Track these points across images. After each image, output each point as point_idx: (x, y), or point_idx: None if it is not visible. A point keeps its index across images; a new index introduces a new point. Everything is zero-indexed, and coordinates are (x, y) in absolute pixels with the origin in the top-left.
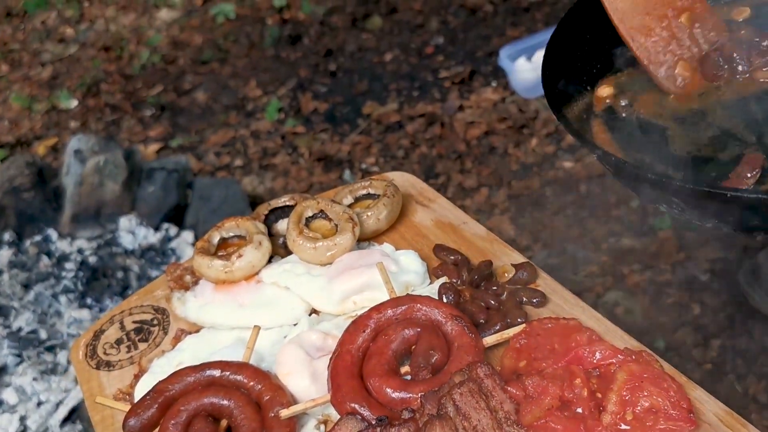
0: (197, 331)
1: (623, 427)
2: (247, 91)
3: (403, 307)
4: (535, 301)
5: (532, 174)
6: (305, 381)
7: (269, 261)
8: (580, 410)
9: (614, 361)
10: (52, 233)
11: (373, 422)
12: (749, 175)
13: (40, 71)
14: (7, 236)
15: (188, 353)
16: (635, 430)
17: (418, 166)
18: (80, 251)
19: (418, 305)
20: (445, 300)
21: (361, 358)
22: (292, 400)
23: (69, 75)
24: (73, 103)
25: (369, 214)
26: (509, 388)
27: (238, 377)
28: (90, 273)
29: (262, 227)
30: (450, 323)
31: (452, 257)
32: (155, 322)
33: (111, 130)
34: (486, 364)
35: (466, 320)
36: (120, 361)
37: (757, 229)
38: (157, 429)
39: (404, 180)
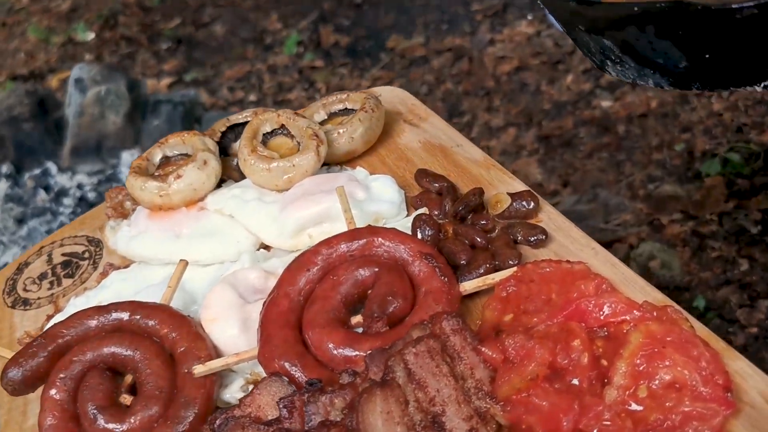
0: (127, 266)
1: (634, 407)
2: (267, 24)
3: (361, 242)
4: (533, 239)
5: (566, 113)
6: (233, 330)
7: (220, 185)
8: (576, 382)
9: (628, 318)
10: (52, 167)
11: (304, 387)
12: None
13: (60, 3)
14: (5, 168)
15: (111, 292)
16: (650, 412)
17: (441, 103)
18: (80, 186)
19: (380, 239)
20: (419, 236)
21: (301, 304)
22: (214, 354)
23: (88, 7)
24: (90, 36)
25: (341, 131)
26: (484, 350)
27: (150, 322)
28: (88, 209)
29: (211, 144)
30: (418, 263)
31: (436, 184)
32: (86, 255)
33: (125, 63)
34: (454, 316)
35: (440, 260)
36: (39, 299)
37: (689, 75)
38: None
39: (393, 95)
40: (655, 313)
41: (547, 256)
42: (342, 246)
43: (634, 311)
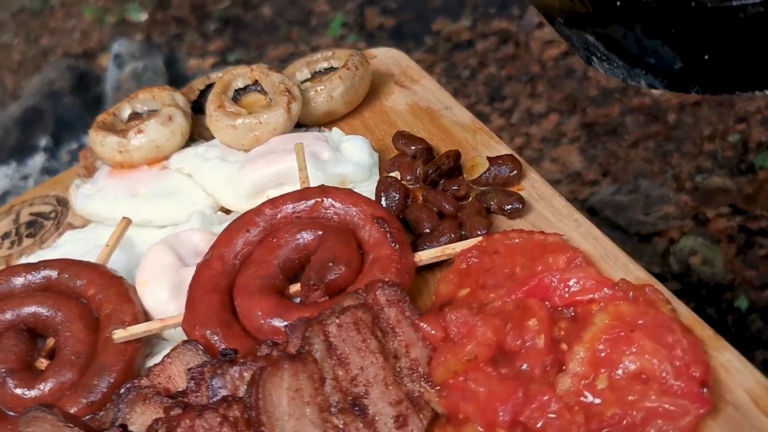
0: (84, 226)
1: (590, 399)
2: (314, 6)
3: (309, 202)
4: (507, 208)
5: (613, 100)
6: (163, 294)
7: (190, 145)
8: (526, 367)
9: (598, 296)
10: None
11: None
12: None
13: None
14: (44, 142)
15: (60, 252)
16: (608, 406)
17: (483, 87)
18: None
19: (329, 200)
20: (383, 201)
21: (237, 268)
22: (143, 319)
23: None
24: (143, 17)
25: (319, 89)
26: (424, 326)
27: (79, 282)
28: None
29: (181, 100)
30: (369, 227)
31: (413, 147)
32: (52, 215)
33: (173, 44)
34: (391, 285)
35: (393, 225)
36: None
37: (686, 77)
38: None
39: (389, 56)
40: (631, 293)
41: (524, 228)
42: (288, 206)
43: (605, 289)
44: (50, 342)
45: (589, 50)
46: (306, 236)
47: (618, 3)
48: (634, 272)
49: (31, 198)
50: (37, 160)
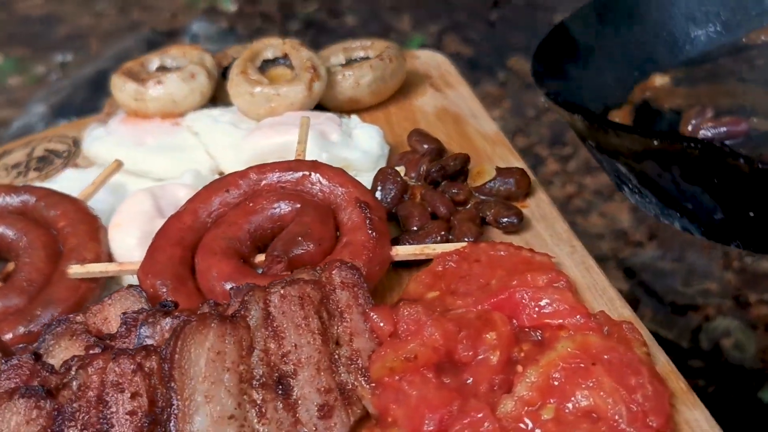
0: (88, 167)
1: (529, 427)
2: (397, 23)
3: (297, 174)
4: (504, 221)
5: None
6: (132, 239)
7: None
8: (471, 381)
9: (568, 322)
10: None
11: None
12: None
13: None
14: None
15: (56, 187)
16: None
17: (546, 130)
18: None
19: (317, 176)
20: (378, 192)
21: (207, 226)
22: (105, 260)
23: None
24: (232, 8)
25: (347, 74)
26: (374, 316)
27: (52, 212)
28: None
29: (209, 61)
30: (350, 210)
31: (425, 146)
32: (65, 154)
33: (254, 37)
34: (350, 267)
35: (376, 212)
36: None
37: (727, 229)
38: None
39: (431, 59)
40: (606, 328)
41: (518, 244)
42: (274, 174)
43: (578, 316)
44: (10, 267)
45: (620, 179)
46: (283, 207)
47: (655, 142)
48: (619, 309)
49: (51, 135)
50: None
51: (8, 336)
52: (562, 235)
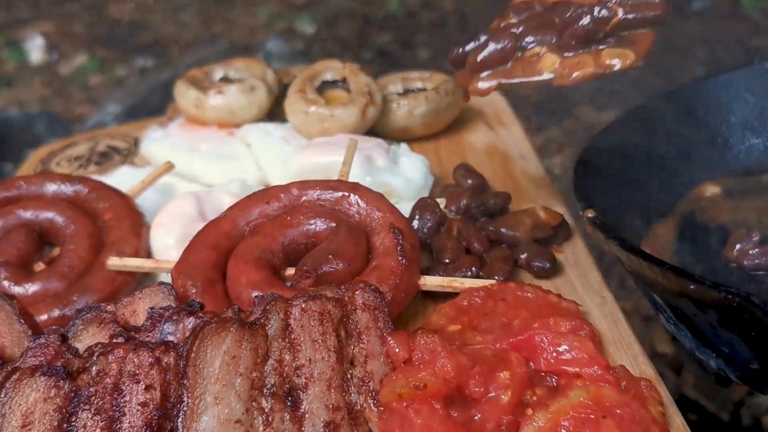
0: (143, 166)
1: None
2: None
3: (336, 194)
4: (536, 265)
5: None
6: (170, 239)
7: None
8: (479, 418)
9: (584, 371)
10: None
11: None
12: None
13: None
14: None
15: (111, 181)
16: None
17: None
18: None
19: (356, 197)
20: (416, 222)
21: (244, 235)
22: (144, 256)
23: (318, 4)
24: (310, 29)
25: (402, 103)
26: (391, 341)
27: (101, 204)
28: None
29: (270, 77)
30: (383, 235)
31: (469, 180)
32: (125, 152)
33: (326, 58)
34: (374, 290)
35: (409, 240)
36: None
37: (762, 377)
38: None
39: (488, 96)
40: (624, 383)
41: (547, 288)
42: (314, 192)
43: (596, 367)
44: (55, 252)
45: (657, 307)
46: (319, 224)
47: (692, 286)
48: (642, 366)
49: (115, 133)
50: None
51: (43, 317)
52: (594, 285)
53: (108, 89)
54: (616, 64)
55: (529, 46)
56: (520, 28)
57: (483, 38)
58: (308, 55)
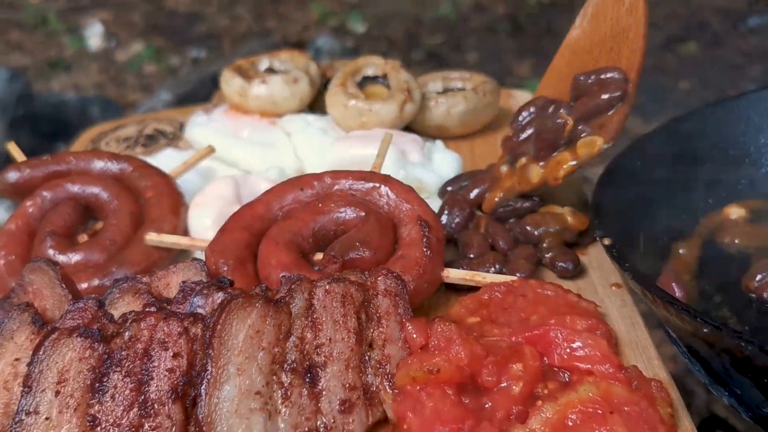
0: (187, 149)
1: None
2: (516, 67)
3: (368, 185)
4: (559, 265)
5: None
6: (208, 219)
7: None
8: (489, 406)
9: (596, 369)
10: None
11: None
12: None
13: None
14: None
15: (154, 162)
16: None
17: None
18: None
19: (386, 189)
20: (444, 216)
21: (276, 218)
22: (180, 233)
23: (371, 3)
24: (361, 28)
25: (441, 101)
26: (409, 327)
27: (144, 182)
28: None
29: (314, 70)
30: (410, 227)
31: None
32: (170, 135)
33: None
34: (396, 276)
35: (435, 232)
36: None
37: None
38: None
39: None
40: (635, 382)
41: (569, 288)
42: (347, 181)
43: (608, 365)
44: (98, 225)
45: (670, 336)
46: (349, 212)
47: (705, 330)
48: (656, 369)
49: (162, 117)
50: None
51: (84, 285)
52: (615, 291)
53: (161, 78)
54: (587, 154)
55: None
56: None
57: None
58: (357, 53)
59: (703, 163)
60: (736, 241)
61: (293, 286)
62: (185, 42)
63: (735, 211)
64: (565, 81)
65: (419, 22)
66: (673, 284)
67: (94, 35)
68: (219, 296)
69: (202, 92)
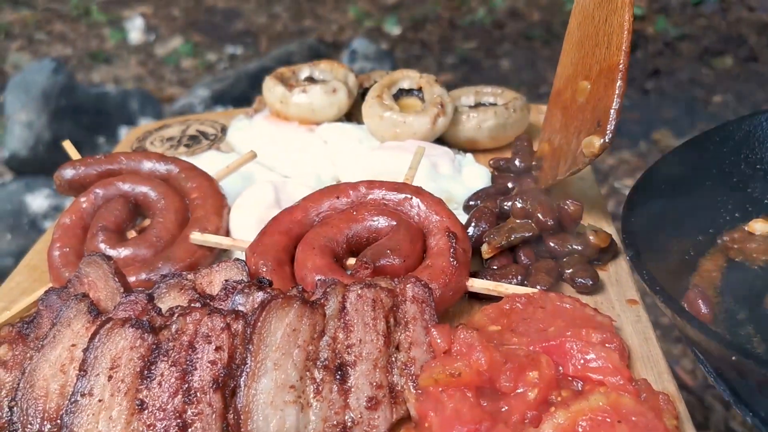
0: (227, 152)
1: None
2: (550, 74)
3: (399, 195)
4: (579, 281)
5: None
6: (249, 220)
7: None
8: (506, 409)
9: (607, 380)
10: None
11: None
12: None
13: None
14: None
15: (197, 163)
16: None
17: None
18: None
19: (417, 200)
20: (471, 228)
21: (312, 223)
22: (222, 234)
23: (408, 6)
24: (396, 31)
25: (472, 115)
26: (434, 332)
27: (189, 184)
28: None
29: (352, 81)
30: (438, 237)
31: None
32: (212, 137)
33: (410, 62)
34: (423, 284)
35: (462, 243)
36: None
37: None
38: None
39: None
40: (644, 395)
41: (587, 302)
42: (380, 191)
43: (618, 377)
44: (146, 222)
45: (697, 355)
46: (382, 221)
47: (734, 358)
48: (665, 383)
49: (204, 119)
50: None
51: (132, 279)
52: (631, 305)
53: (198, 73)
54: (590, 153)
55: None
56: None
57: None
58: (392, 56)
59: (730, 177)
60: (760, 257)
61: (328, 290)
62: (223, 38)
63: (760, 227)
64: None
65: (454, 27)
66: (699, 301)
67: (135, 28)
68: (259, 295)
69: (238, 90)
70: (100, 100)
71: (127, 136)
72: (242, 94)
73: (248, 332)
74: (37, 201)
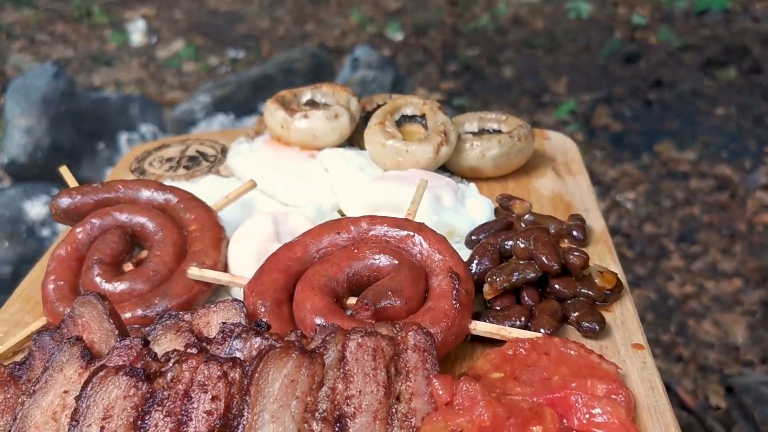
0: (227, 177)
1: None
2: (553, 83)
3: (402, 233)
4: (585, 325)
5: None
6: (247, 255)
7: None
8: None
9: None
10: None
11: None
12: None
13: (390, 2)
14: (263, 107)
15: (196, 189)
16: None
17: (678, 224)
18: None
19: (420, 238)
20: (474, 265)
21: (312, 260)
22: (220, 268)
23: (411, 12)
24: (399, 36)
25: (476, 144)
26: (436, 383)
27: (188, 215)
28: None
29: (354, 105)
30: (441, 277)
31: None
32: (212, 158)
33: (412, 68)
34: (425, 333)
35: (465, 285)
36: (153, 174)
37: None
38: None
39: (560, 142)
40: None
41: (591, 347)
42: (382, 228)
43: None
44: (143, 254)
45: None
46: (383, 260)
47: None
48: None
49: (204, 138)
50: (252, 121)
51: (127, 315)
52: (637, 350)
53: (199, 77)
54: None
55: None
56: None
57: None
58: (394, 64)
59: None
60: None
61: (327, 338)
62: (224, 42)
63: None
64: None
65: (457, 33)
66: None
67: (137, 31)
68: (257, 341)
69: (239, 96)
70: (101, 106)
71: (126, 156)
72: (244, 101)
73: (245, 383)
74: (36, 208)
